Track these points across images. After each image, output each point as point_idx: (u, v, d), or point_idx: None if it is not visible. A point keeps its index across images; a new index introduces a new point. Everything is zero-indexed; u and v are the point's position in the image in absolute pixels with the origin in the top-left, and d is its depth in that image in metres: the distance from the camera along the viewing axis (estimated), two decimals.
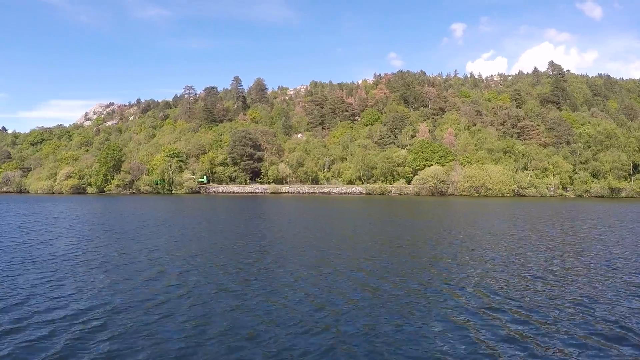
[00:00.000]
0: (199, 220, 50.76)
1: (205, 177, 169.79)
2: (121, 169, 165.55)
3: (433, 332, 14.12)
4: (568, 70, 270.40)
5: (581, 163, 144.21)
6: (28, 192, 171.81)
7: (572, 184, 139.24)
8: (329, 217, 58.77)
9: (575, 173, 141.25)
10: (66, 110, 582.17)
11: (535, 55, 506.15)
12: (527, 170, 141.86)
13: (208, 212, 62.89)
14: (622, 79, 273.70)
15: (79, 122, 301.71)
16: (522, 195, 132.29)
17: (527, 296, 18.23)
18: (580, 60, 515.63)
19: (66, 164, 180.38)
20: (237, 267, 23.57)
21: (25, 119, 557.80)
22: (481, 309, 16.40)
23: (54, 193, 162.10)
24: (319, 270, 22.50)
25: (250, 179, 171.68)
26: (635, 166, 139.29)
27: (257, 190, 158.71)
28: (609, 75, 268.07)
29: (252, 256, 26.99)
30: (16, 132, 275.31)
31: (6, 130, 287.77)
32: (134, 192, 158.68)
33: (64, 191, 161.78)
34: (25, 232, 39.05)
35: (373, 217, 58.85)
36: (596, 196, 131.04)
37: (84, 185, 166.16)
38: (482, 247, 31.76)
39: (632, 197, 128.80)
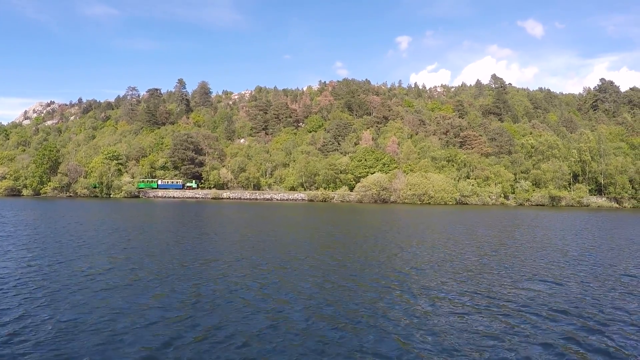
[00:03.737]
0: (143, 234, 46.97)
1: (194, 182, 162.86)
2: (58, 171, 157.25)
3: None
4: (510, 83, 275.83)
5: (522, 172, 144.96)
6: None
7: (513, 193, 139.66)
8: (291, 227, 55.88)
9: (517, 182, 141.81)
10: (5, 108, 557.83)
11: (478, 69, 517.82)
12: (469, 179, 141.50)
13: (154, 224, 55.46)
14: (562, 93, 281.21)
15: (17, 121, 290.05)
16: (464, 204, 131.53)
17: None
18: (521, 75, 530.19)
19: (1, 164, 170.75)
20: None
21: None
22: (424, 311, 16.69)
23: None
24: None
25: None
26: (575, 176, 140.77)
27: (197, 196, 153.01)
28: (549, 90, 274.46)
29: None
30: None
31: None
32: (70, 195, 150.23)
33: None
34: None
35: (324, 225, 56.70)
36: (537, 204, 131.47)
37: (19, 187, 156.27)
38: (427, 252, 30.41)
39: (571, 205, 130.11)
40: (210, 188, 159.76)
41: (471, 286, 20.35)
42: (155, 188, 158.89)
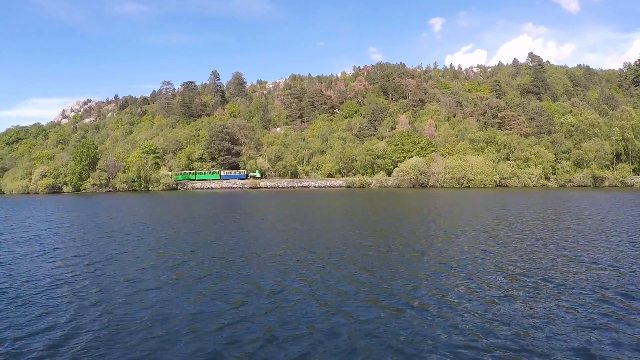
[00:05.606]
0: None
1: (258, 171, 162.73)
2: (97, 167, 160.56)
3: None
4: (547, 61, 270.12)
5: (563, 152, 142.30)
6: (3, 193, 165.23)
7: (554, 174, 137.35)
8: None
9: (558, 162, 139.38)
10: (45, 109, 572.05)
11: (514, 48, 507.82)
12: (509, 160, 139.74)
13: (197, 217, 54.70)
14: (602, 69, 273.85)
15: (56, 120, 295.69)
16: (504, 186, 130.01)
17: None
18: (558, 52, 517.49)
19: (41, 163, 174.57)
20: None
21: (5, 118, 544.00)
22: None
23: (29, 193, 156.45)
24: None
25: None
26: (617, 155, 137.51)
27: (235, 186, 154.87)
28: (588, 66, 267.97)
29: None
30: None
31: None
32: (110, 190, 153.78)
33: (39, 191, 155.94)
34: None
35: (368, 211, 56.56)
36: (579, 185, 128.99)
37: (59, 185, 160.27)
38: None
39: (615, 185, 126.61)
40: (247, 178, 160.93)
41: (535, 271, 19.95)
42: (218, 179, 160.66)
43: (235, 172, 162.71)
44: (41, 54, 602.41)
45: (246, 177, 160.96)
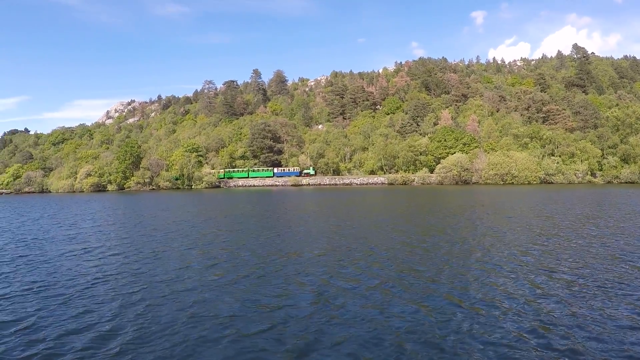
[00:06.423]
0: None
1: (312, 168, 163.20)
2: (140, 166, 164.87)
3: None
4: (592, 53, 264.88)
5: (609, 147, 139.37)
6: (50, 192, 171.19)
7: (600, 170, 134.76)
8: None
9: (604, 158, 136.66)
10: (89, 110, 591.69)
11: (558, 39, 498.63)
12: (553, 156, 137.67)
13: (242, 215, 53.94)
14: None
15: (100, 121, 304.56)
16: (549, 183, 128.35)
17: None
18: (603, 43, 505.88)
19: (86, 162, 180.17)
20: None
21: (51, 120, 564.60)
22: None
23: (74, 192, 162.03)
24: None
25: None
26: None
27: (277, 183, 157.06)
28: (634, 57, 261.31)
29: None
30: (38, 132, 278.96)
31: (29, 131, 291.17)
32: (153, 189, 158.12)
33: (84, 190, 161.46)
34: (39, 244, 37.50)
35: (414, 209, 56.98)
36: (626, 182, 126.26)
37: (104, 183, 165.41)
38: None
39: None
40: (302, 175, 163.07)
41: (583, 272, 19.85)
42: (272, 176, 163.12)
43: (289, 169, 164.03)
44: (85, 57, 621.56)
45: (300, 174, 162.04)
